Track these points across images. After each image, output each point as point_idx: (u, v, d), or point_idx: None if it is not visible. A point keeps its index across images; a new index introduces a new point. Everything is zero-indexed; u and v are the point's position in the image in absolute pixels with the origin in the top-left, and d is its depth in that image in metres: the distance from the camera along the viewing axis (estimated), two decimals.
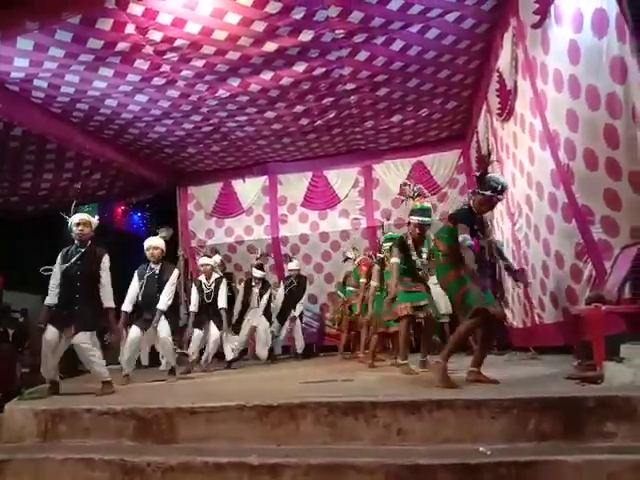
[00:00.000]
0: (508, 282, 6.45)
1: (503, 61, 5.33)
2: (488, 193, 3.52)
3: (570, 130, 3.91)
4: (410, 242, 4.64)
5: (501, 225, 6.53)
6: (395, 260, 4.61)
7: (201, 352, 6.42)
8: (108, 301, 4.26)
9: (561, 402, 2.58)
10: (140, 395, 4.13)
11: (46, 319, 4.15)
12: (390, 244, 5.11)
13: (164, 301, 5.02)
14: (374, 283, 5.64)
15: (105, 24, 4.78)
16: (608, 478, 2.18)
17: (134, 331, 4.98)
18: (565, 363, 3.98)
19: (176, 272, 5.31)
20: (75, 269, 4.15)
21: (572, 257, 4.26)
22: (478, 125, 7.09)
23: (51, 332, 4.08)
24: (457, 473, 2.30)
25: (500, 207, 6.34)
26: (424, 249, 4.68)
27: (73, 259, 4.16)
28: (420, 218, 4.55)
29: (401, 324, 4.56)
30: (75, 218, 4.21)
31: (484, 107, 6.59)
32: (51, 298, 4.20)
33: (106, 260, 4.28)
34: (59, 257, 4.25)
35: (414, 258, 4.60)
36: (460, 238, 3.44)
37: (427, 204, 4.71)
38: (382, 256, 5.79)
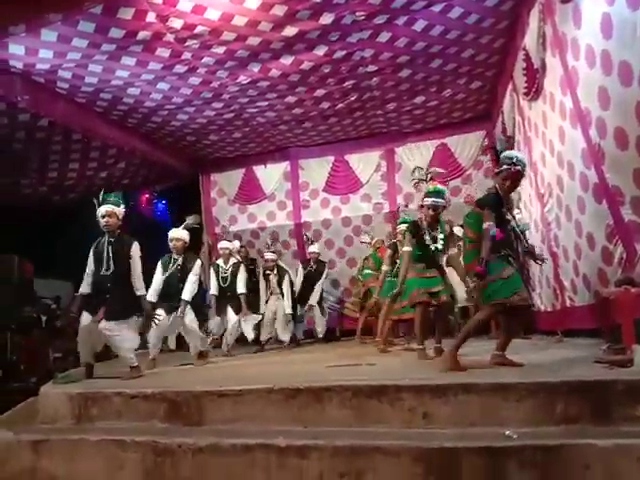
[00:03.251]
0: (535, 267, 6.36)
1: (529, 39, 5.18)
2: (504, 167, 3.53)
3: (601, 108, 3.80)
4: (424, 226, 4.58)
5: (529, 207, 6.41)
6: (407, 249, 4.58)
7: (222, 337, 6.49)
8: (140, 289, 4.32)
9: (589, 386, 2.56)
10: (168, 379, 4.23)
11: (80, 308, 4.26)
12: (404, 227, 5.08)
13: (188, 291, 5.08)
14: (385, 267, 5.65)
15: (126, 13, 4.80)
16: (638, 462, 2.16)
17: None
18: (593, 347, 3.93)
19: (199, 262, 5.36)
20: (106, 259, 4.23)
21: (603, 239, 4.17)
22: (503, 105, 6.93)
23: (86, 318, 4.19)
24: (483, 456, 2.31)
25: (529, 189, 6.23)
26: (440, 235, 4.58)
27: (104, 249, 4.25)
28: (433, 199, 4.50)
29: (417, 311, 4.53)
30: (101, 210, 4.27)
31: (510, 86, 6.43)
32: (84, 287, 4.30)
33: (135, 248, 4.33)
34: (91, 251, 4.33)
35: (428, 243, 4.54)
36: (485, 225, 3.41)
37: (440, 186, 4.67)
38: (395, 240, 5.77)
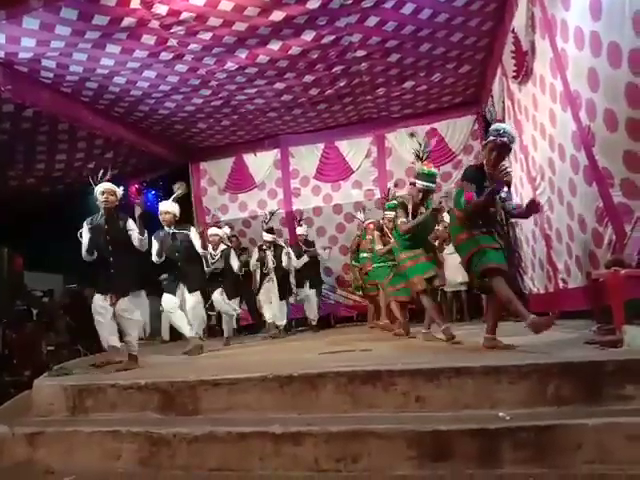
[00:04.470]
0: (527, 250, 6.40)
1: (518, 21, 5.16)
2: (490, 138, 3.49)
3: (591, 90, 3.80)
4: (410, 206, 4.55)
5: (520, 190, 6.43)
6: (403, 219, 4.54)
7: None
8: (136, 235, 4.30)
9: (580, 367, 2.58)
10: (163, 369, 4.22)
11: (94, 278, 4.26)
12: (392, 213, 5.08)
13: (199, 248, 5.17)
14: (378, 247, 5.68)
15: None
16: (628, 440, 2.19)
17: (168, 300, 5.13)
18: (585, 328, 3.97)
19: (193, 229, 5.40)
20: (104, 234, 4.24)
21: (593, 221, 4.19)
22: (493, 89, 6.92)
23: (97, 299, 4.21)
24: (476, 438, 2.33)
25: (520, 172, 6.24)
26: (422, 209, 4.55)
27: (101, 227, 4.25)
28: (425, 183, 4.47)
29: (424, 300, 4.50)
30: (100, 187, 4.29)
31: (499, 70, 6.41)
32: (87, 256, 4.28)
33: (131, 222, 4.36)
34: (85, 224, 4.31)
35: (408, 219, 4.51)
36: (464, 196, 3.42)
37: (434, 169, 4.59)
38: (382, 223, 5.78)
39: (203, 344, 5.37)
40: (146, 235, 4.36)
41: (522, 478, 2.17)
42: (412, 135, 5.09)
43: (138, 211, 4.40)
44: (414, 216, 4.52)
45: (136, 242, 4.28)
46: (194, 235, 5.27)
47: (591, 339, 3.35)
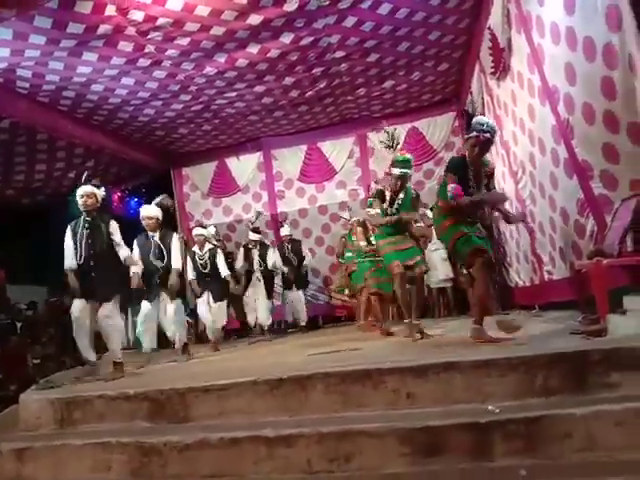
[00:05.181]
0: (511, 244, 6.47)
1: (494, 18, 5.21)
2: (473, 134, 3.52)
3: (569, 84, 3.86)
4: (388, 194, 4.56)
5: (503, 185, 6.49)
6: (376, 211, 4.56)
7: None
8: (124, 252, 4.29)
9: (567, 357, 2.61)
10: (151, 377, 4.18)
11: (75, 284, 4.18)
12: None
13: (176, 259, 5.07)
14: (362, 243, 5.70)
15: (84, 7, 4.65)
16: (615, 427, 2.22)
17: (145, 307, 5.04)
18: (570, 319, 4.02)
19: (176, 235, 5.32)
20: (86, 238, 4.20)
21: (575, 213, 4.25)
22: (472, 86, 6.98)
23: (76, 307, 4.14)
24: (468, 432, 2.34)
25: (502, 167, 6.31)
26: (400, 196, 4.58)
27: (82, 230, 4.21)
28: (401, 170, 4.49)
29: (396, 283, 4.51)
30: (79, 190, 4.26)
31: (477, 67, 6.47)
32: (70, 262, 4.23)
33: (114, 225, 4.32)
34: (68, 229, 4.29)
35: (385, 206, 4.53)
36: (448, 189, 3.45)
37: (408, 155, 4.65)
38: (363, 219, 5.81)
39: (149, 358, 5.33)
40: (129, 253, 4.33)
41: (514, 470, 2.19)
42: (383, 130, 5.11)
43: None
44: (392, 204, 4.54)
45: (123, 258, 4.25)
46: (174, 243, 5.16)
47: (576, 329, 3.40)
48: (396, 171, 4.51)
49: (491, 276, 3.77)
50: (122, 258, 4.26)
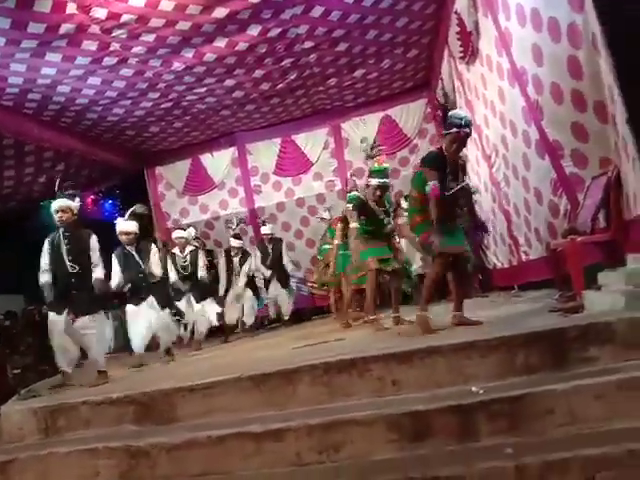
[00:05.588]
0: (489, 227, 6.54)
1: (461, 2, 5.23)
2: (453, 130, 3.46)
3: (537, 65, 3.90)
4: (372, 204, 4.57)
5: (477, 169, 6.56)
6: (354, 225, 4.63)
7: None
8: (99, 273, 4.22)
9: (546, 335, 2.66)
10: (135, 381, 4.14)
11: (51, 298, 4.13)
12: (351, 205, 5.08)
13: (154, 268, 5.01)
14: (337, 241, 5.72)
15: (44, 6, 4.51)
16: (595, 400, 2.28)
17: (131, 309, 4.97)
18: (548, 298, 4.09)
19: (154, 247, 5.26)
20: (66, 254, 4.11)
21: (548, 193, 4.32)
22: (442, 71, 7.01)
23: (53, 322, 4.08)
24: (454, 415, 2.38)
25: (475, 151, 6.36)
26: (388, 207, 4.65)
27: (61, 245, 4.12)
28: (379, 180, 4.51)
29: (368, 278, 4.56)
30: (54, 205, 4.16)
31: (446, 52, 6.50)
32: (45, 277, 4.15)
33: (94, 241, 4.24)
34: (46, 243, 4.20)
35: (381, 217, 4.56)
36: (429, 185, 3.43)
37: (385, 164, 4.67)
38: (345, 214, 5.82)
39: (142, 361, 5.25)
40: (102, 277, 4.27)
41: (499, 448, 2.22)
42: (362, 141, 5.15)
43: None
44: (375, 214, 4.55)
45: (95, 278, 4.16)
46: (152, 256, 5.09)
47: (554, 307, 3.46)
48: (374, 181, 4.52)
49: (463, 270, 3.83)
50: (94, 277, 4.16)
